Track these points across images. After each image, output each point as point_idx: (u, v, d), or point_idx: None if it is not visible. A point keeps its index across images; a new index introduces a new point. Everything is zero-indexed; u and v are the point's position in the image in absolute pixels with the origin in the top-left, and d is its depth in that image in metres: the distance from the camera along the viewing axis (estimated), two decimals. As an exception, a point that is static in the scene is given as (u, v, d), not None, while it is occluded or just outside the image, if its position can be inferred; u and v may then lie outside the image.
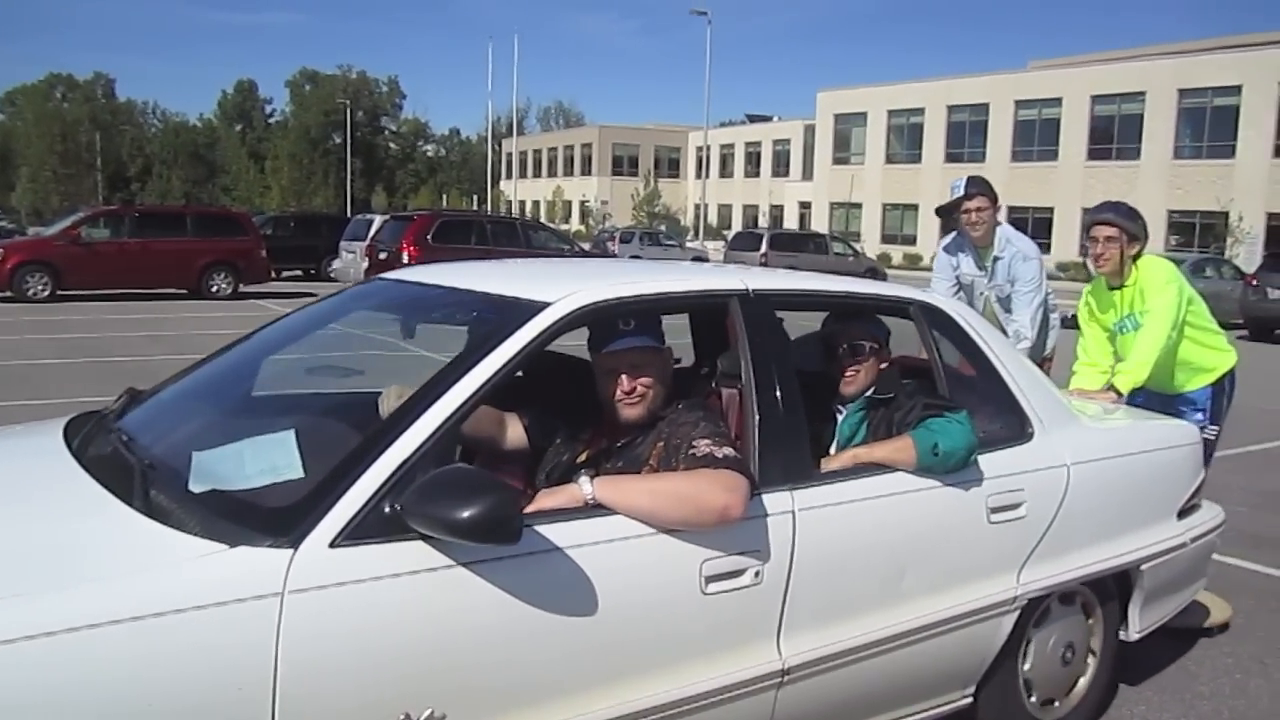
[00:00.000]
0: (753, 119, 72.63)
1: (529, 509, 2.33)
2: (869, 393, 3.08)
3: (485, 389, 2.31)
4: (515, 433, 2.99)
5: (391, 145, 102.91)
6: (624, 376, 2.68)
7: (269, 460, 2.34)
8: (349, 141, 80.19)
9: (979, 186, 4.87)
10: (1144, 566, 3.37)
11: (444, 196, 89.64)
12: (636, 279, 2.80)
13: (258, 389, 3.00)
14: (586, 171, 76.24)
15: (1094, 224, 4.26)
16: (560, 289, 2.57)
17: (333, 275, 21.84)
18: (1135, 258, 4.27)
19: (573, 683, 2.28)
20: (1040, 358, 4.95)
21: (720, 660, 2.48)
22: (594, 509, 2.34)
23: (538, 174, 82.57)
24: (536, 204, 78.81)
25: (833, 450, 3.09)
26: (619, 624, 2.32)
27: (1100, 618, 3.40)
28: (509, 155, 76.62)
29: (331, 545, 2.04)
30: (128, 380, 3.51)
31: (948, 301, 3.22)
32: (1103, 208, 4.29)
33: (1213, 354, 4.37)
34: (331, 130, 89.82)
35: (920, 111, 49.82)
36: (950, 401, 2.92)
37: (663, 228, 49.84)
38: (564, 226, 59.28)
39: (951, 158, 47.69)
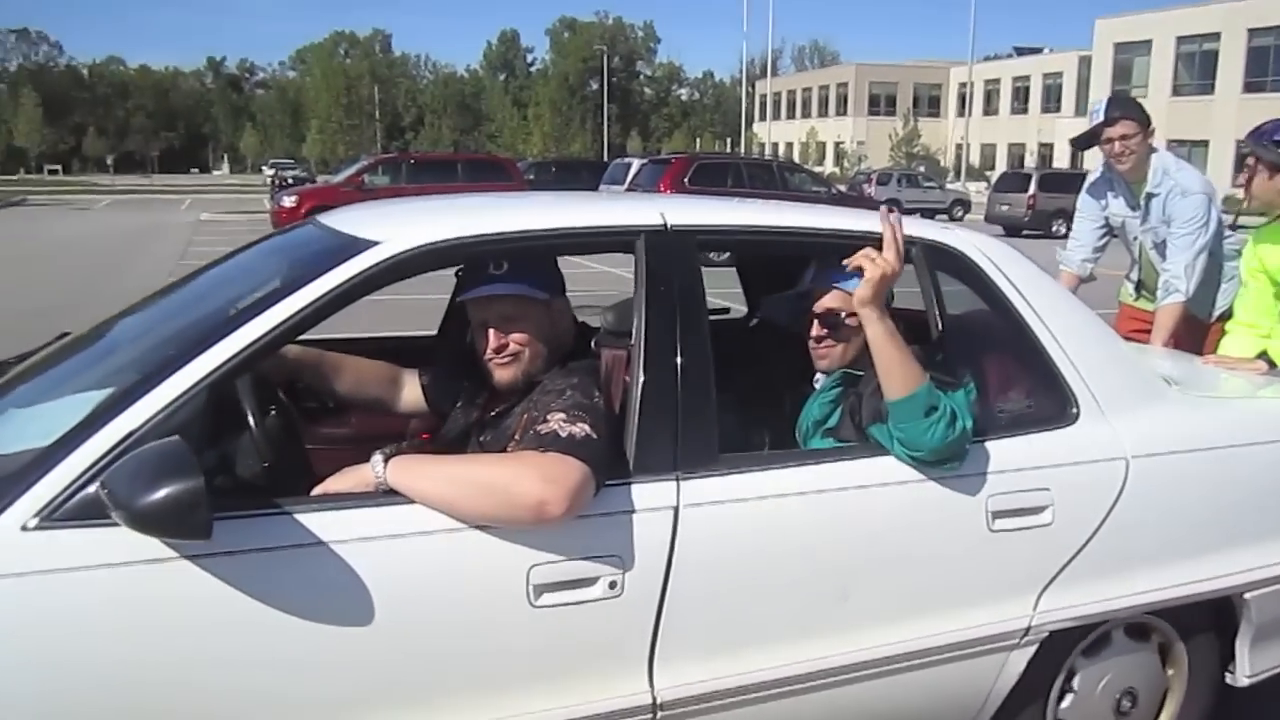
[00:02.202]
0: (1021, 52, 67.76)
1: (317, 490, 1.91)
2: (848, 366, 2.41)
3: (264, 342, 1.88)
4: (412, 393, 2.55)
5: (646, 90, 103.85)
6: (491, 331, 2.18)
7: (52, 423, 2.01)
8: (605, 87, 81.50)
9: (1123, 108, 3.88)
10: (1250, 595, 2.52)
11: (697, 140, 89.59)
12: (505, 215, 2.25)
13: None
14: (842, 112, 73.84)
15: (1247, 154, 3.29)
16: (398, 227, 2.10)
17: None
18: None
19: (342, 705, 1.84)
20: (1206, 319, 3.96)
21: (565, 688, 1.96)
22: (389, 495, 1.87)
23: (791, 115, 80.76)
24: (790, 146, 77.31)
25: (799, 438, 2.45)
26: (409, 637, 1.86)
27: (1183, 658, 2.59)
28: (763, 97, 75.43)
29: (24, 528, 1.69)
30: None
31: (967, 238, 2.44)
32: (1256, 133, 3.29)
33: None
34: (589, 76, 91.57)
35: (1215, 37, 44.54)
36: (943, 376, 2.21)
37: (921, 169, 47.43)
38: (817, 169, 57.77)
39: (1252, 87, 42.39)
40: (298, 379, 2.46)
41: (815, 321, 2.42)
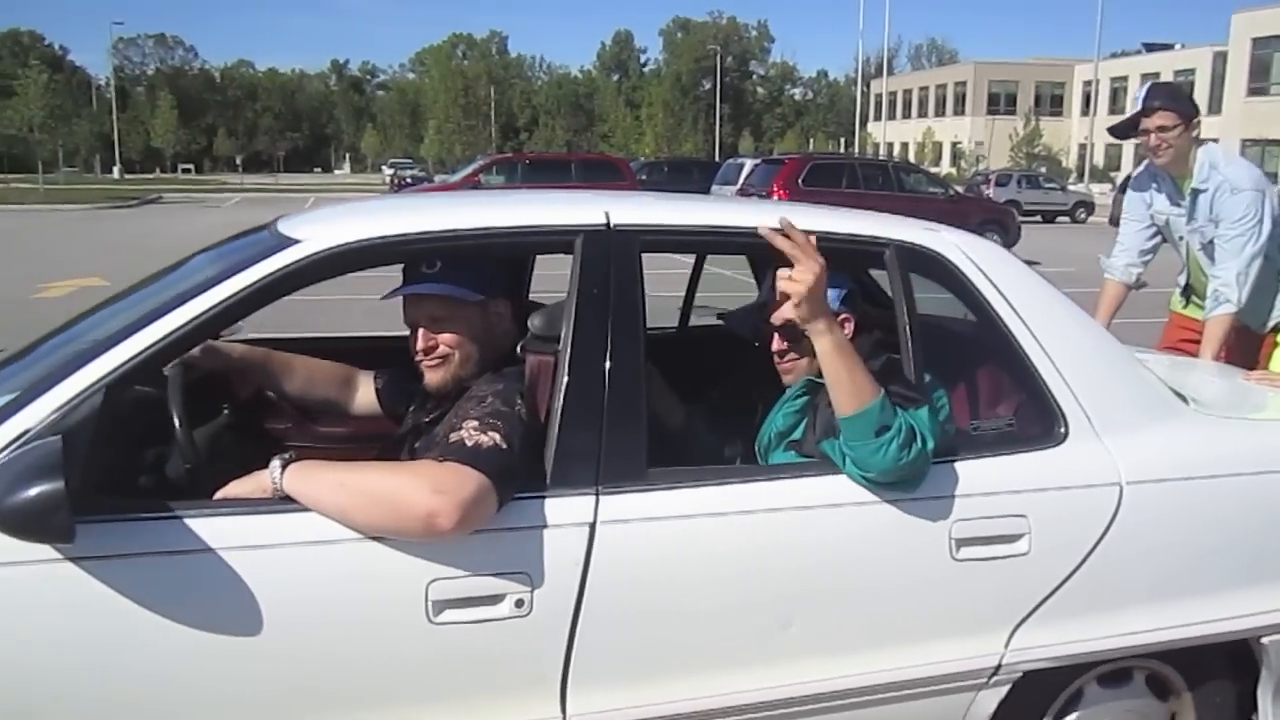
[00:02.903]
0: (1150, 48, 64.98)
1: (219, 494, 1.84)
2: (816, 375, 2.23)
3: (165, 344, 1.82)
4: (366, 396, 2.48)
5: (759, 90, 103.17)
6: (420, 331, 2.09)
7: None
8: (718, 87, 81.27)
9: (1163, 97, 3.56)
10: (1269, 640, 2.26)
11: (810, 140, 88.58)
12: (433, 214, 2.13)
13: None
14: (959, 111, 72.02)
15: None
16: (323, 226, 2.03)
17: None
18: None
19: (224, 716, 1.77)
20: (1261, 329, 3.63)
21: (469, 709, 1.86)
22: (286, 502, 1.80)
23: (907, 115, 79.15)
24: (905, 146, 75.80)
25: (758, 450, 2.29)
26: (298, 651, 1.78)
27: (1189, 708, 2.34)
28: (877, 96, 74.09)
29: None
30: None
31: (950, 239, 2.23)
32: None
33: None
34: (701, 76, 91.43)
35: (1364, 29, 42.05)
36: (908, 390, 2.03)
37: (1042, 170, 45.87)
38: (933, 170, 56.57)
39: (1404, 84, 39.86)
40: (243, 379, 2.41)
41: (775, 335, 2.26)
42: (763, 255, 2.42)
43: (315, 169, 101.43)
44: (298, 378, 2.43)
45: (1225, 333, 3.51)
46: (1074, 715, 2.25)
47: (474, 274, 2.09)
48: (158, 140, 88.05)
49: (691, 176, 26.19)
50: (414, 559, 1.79)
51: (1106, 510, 2.12)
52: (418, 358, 2.10)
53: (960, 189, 27.59)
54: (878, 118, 73.06)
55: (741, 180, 19.46)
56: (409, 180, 42.64)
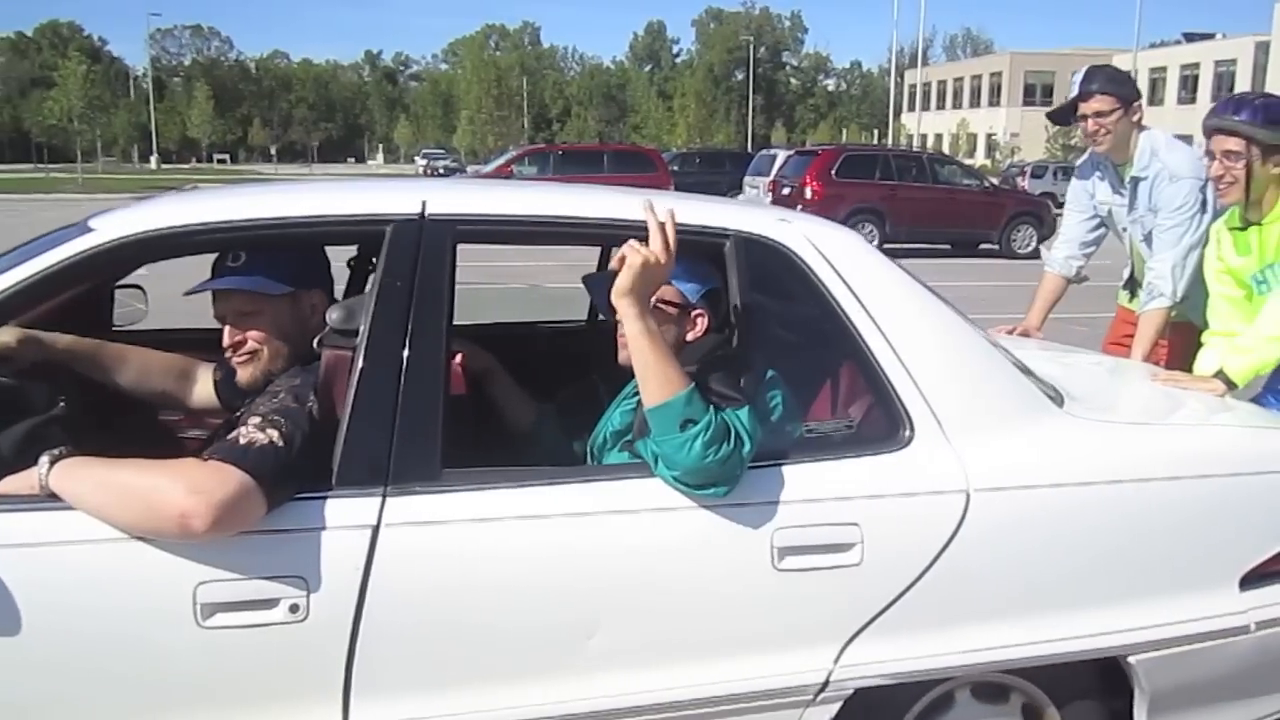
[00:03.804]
0: (1190, 37, 63.83)
1: None
2: None
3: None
4: (204, 389, 2.40)
5: (792, 80, 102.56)
6: (228, 327, 2.01)
7: None
8: (751, 78, 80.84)
9: (1101, 81, 3.38)
10: (1135, 659, 2.13)
11: (843, 131, 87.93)
12: (232, 203, 2.03)
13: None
14: (995, 102, 71.20)
15: (1211, 132, 2.82)
16: (124, 215, 1.95)
17: None
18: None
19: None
20: (1204, 325, 3.46)
21: (244, 717, 1.77)
22: (54, 499, 1.72)
23: (941, 106, 78.32)
24: (939, 137, 75.01)
25: (592, 450, 2.19)
26: (59, 654, 1.70)
27: (1057, 728, 2.21)
28: (911, 87, 73.50)
29: None
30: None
31: (800, 229, 2.11)
32: (1223, 106, 2.82)
33: None
34: (734, 67, 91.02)
35: None
36: (730, 389, 1.92)
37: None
38: (968, 161, 55.90)
39: None
40: (70, 370, 2.34)
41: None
42: (582, 244, 2.33)
43: (349, 159, 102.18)
44: (130, 369, 2.36)
45: (1159, 329, 3.36)
46: (926, 733, 2.13)
47: (282, 266, 2.00)
48: (194, 130, 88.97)
49: (724, 168, 26.24)
50: (181, 560, 1.70)
51: (951, 519, 1.99)
52: (227, 353, 2.02)
53: (995, 181, 27.22)
54: (911, 109, 72.44)
55: (774, 172, 19.34)
56: (442, 171, 42.75)
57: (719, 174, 25.82)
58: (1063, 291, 3.76)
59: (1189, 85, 58.80)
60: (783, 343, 2.24)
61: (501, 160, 22.09)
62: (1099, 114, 3.38)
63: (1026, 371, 2.27)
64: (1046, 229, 17.71)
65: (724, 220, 2.11)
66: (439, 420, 1.86)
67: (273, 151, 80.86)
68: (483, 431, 2.36)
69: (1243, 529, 2.23)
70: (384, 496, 1.80)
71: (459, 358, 2.24)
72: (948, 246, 17.25)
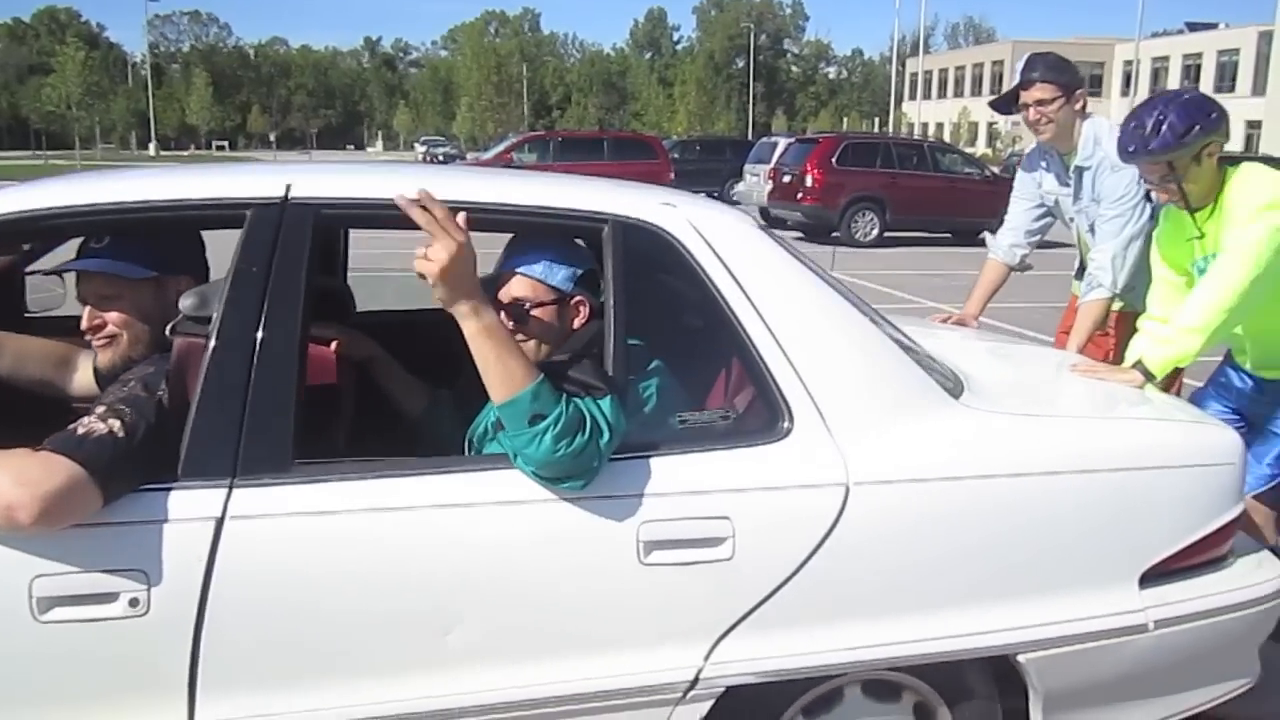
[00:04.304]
0: (1193, 27, 63.64)
1: None
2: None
3: None
4: (85, 376, 2.34)
5: (793, 68, 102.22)
6: (87, 309, 1.96)
7: None
8: (751, 65, 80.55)
9: (1042, 68, 3.31)
10: (1025, 657, 2.07)
11: (844, 119, 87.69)
12: (84, 189, 1.94)
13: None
14: (996, 91, 69.96)
15: (1133, 162, 2.76)
16: None
17: (736, 198, 22.25)
18: (1224, 164, 2.73)
19: None
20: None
21: (85, 713, 1.72)
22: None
23: (943, 95, 78.07)
24: (940, 126, 74.81)
25: (471, 440, 2.13)
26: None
27: (948, 726, 2.16)
28: (913, 75, 73.25)
29: None
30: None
31: (684, 214, 2.04)
32: (1130, 143, 2.74)
33: None
34: (735, 55, 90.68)
35: None
36: (593, 378, 1.86)
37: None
38: (969, 150, 55.69)
39: None
40: None
41: (502, 313, 2.09)
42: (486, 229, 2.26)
43: (348, 146, 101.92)
44: (4, 357, 2.30)
45: (1097, 320, 3.30)
46: (811, 731, 2.08)
47: (147, 250, 1.95)
48: (193, 117, 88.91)
49: (724, 155, 26.15)
50: (16, 552, 1.65)
51: (828, 513, 1.93)
52: (86, 336, 1.97)
53: (996, 170, 27.04)
54: (913, 97, 72.25)
55: (775, 159, 19.25)
56: (441, 158, 42.54)
57: (720, 161, 25.84)
58: (1005, 279, 3.69)
59: (1191, 75, 58.60)
60: (668, 331, 2.18)
61: (501, 147, 21.98)
62: (1040, 102, 3.31)
63: (925, 362, 2.21)
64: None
65: (601, 204, 2.04)
66: (291, 411, 1.80)
67: (272, 138, 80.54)
68: (368, 421, 2.30)
69: (1144, 525, 2.17)
70: (230, 488, 1.74)
71: (334, 345, 2.17)
72: (948, 235, 17.18)
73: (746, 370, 2.01)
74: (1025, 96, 3.33)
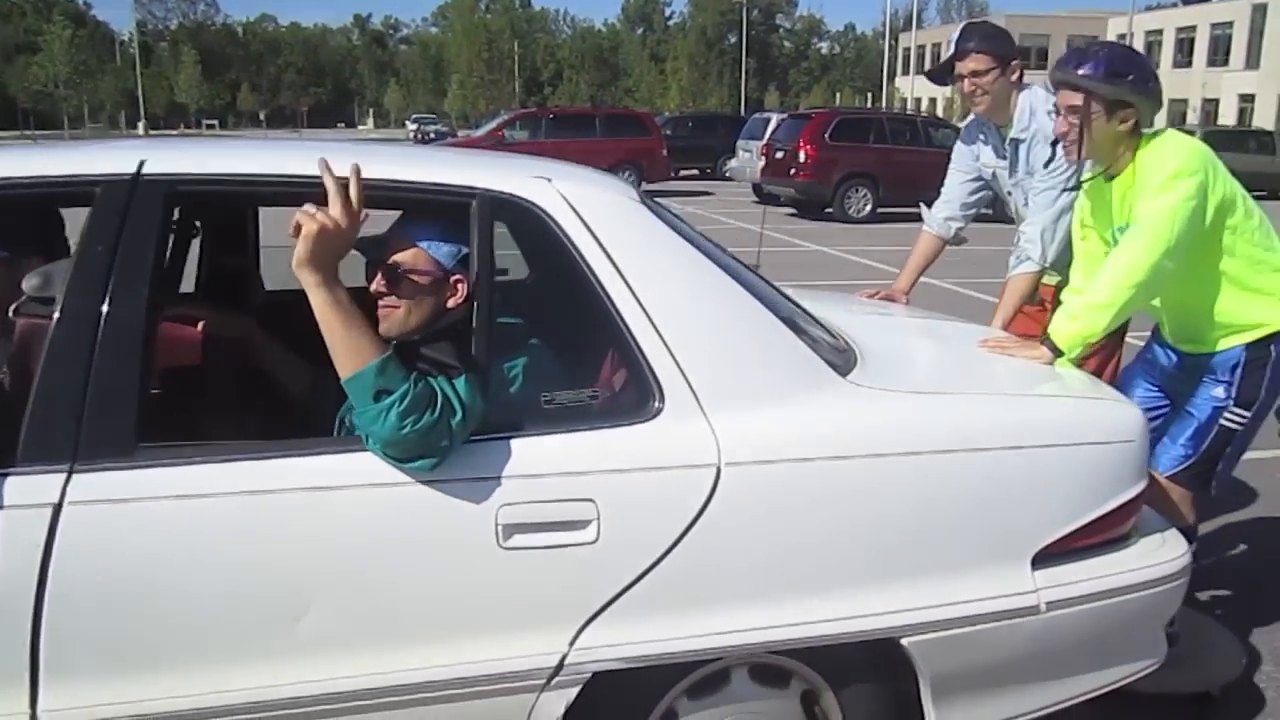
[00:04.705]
0: (1187, 0, 63.26)
1: None
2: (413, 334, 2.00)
3: None
4: None
5: (785, 44, 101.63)
6: None
7: None
8: (744, 41, 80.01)
9: (977, 39, 3.23)
10: (908, 641, 2.03)
11: (836, 95, 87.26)
12: None
13: None
14: (988, 66, 70.50)
15: (1056, 86, 2.69)
16: None
17: (728, 174, 22.22)
18: (1143, 133, 2.66)
19: None
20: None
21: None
22: None
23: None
24: (934, 101, 74.45)
25: (341, 421, 2.07)
26: None
27: (834, 709, 2.11)
28: (906, 50, 72.86)
29: None
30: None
31: (557, 187, 1.97)
32: (1066, 59, 2.68)
33: (1255, 301, 2.66)
34: (727, 30, 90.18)
35: None
36: (449, 357, 1.80)
37: (964, 123, 44.49)
38: (962, 125, 55.26)
39: None
40: None
41: (380, 274, 2.03)
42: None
43: (339, 124, 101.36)
44: None
45: (1023, 294, 3.25)
46: (691, 716, 2.03)
47: None
48: (181, 96, 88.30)
49: (717, 131, 25.94)
50: None
51: (698, 494, 1.88)
52: None
53: None
54: (906, 72, 71.95)
55: (768, 135, 19.15)
56: (432, 135, 42.31)
57: (712, 138, 25.69)
58: (938, 253, 3.64)
59: (1185, 49, 58.36)
60: (552, 310, 2.13)
61: (493, 124, 21.73)
62: (975, 73, 3.25)
63: (813, 339, 2.16)
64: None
65: (470, 178, 1.98)
66: (135, 393, 1.74)
67: (262, 116, 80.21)
68: (247, 403, 2.25)
69: (1036, 505, 2.12)
70: (70, 473, 1.69)
71: (200, 326, 2.11)
72: (943, 211, 17.11)
73: (618, 349, 1.95)
74: (960, 67, 3.26)
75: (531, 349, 1.98)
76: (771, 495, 1.94)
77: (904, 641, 2.02)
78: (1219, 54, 55.88)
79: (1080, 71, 2.60)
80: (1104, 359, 3.22)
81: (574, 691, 1.88)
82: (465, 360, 1.80)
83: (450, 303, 2.00)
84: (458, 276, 2.01)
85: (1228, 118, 50.74)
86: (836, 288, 3.59)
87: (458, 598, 1.82)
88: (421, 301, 1.98)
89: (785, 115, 20.62)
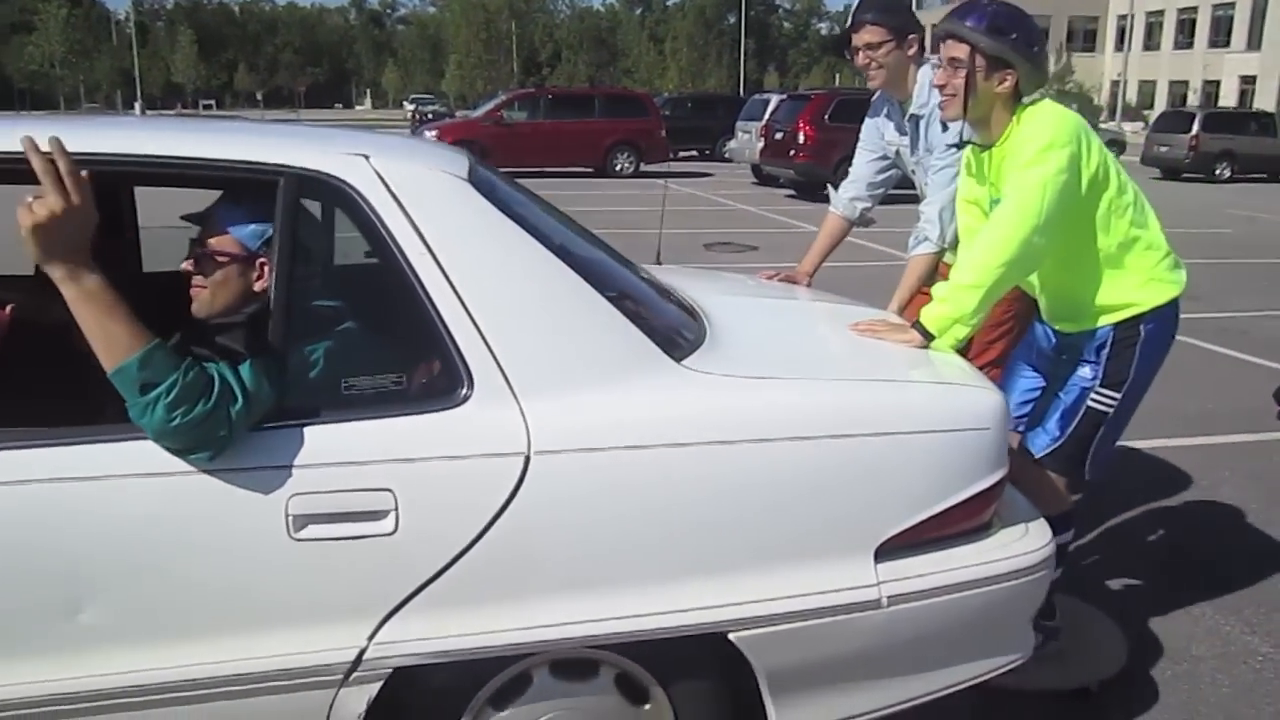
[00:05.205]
0: (1188, -20, 62.77)
1: None
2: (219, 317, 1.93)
3: None
4: None
5: (785, 24, 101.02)
6: None
7: None
8: (743, 22, 79.47)
9: (874, 10, 3.12)
10: (736, 636, 1.95)
11: (836, 76, 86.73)
12: None
13: None
14: (989, 46, 70.06)
15: (941, 37, 2.59)
16: None
17: (727, 155, 22.17)
18: (1020, 100, 2.57)
19: None
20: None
21: None
22: None
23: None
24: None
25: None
26: None
27: (666, 705, 2.04)
28: (905, 31, 72.24)
29: None
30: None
31: (374, 165, 1.89)
32: (954, 11, 2.58)
33: (1126, 279, 2.57)
34: (726, 10, 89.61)
35: None
36: (233, 343, 1.73)
37: (1074, 107, 44.16)
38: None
39: None
40: None
41: (192, 258, 1.96)
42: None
43: (336, 105, 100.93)
44: None
45: (921, 276, 3.16)
46: (506, 713, 1.96)
47: None
48: (178, 76, 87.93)
49: (716, 112, 25.90)
50: None
51: (505, 485, 1.80)
52: None
53: None
54: (906, 53, 71.49)
55: (767, 116, 19.10)
56: (430, 116, 42.15)
57: (711, 119, 25.63)
58: (844, 235, 3.54)
59: (1186, 29, 57.95)
60: (356, 292, 2.05)
61: (491, 105, 21.72)
62: (869, 46, 3.15)
63: (649, 323, 2.07)
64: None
65: (280, 156, 1.89)
66: None
67: (259, 97, 79.84)
68: (51, 387, 2.16)
69: (879, 495, 2.04)
70: None
71: (8, 310, 2.04)
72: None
73: (429, 334, 1.86)
74: (855, 39, 3.17)
75: (340, 333, 1.91)
76: (585, 485, 1.86)
77: (732, 636, 1.95)
78: (1220, 35, 55.50)
79: (966, 23, 2.51)
80: (1012, 341, 3.14)
81: (375, 687, 1.81)
82: (253, 345, 1.72)
83: (258, 285, 1.93)
84: (263, 258, 1.93)
85: (1229, 99, 50.40)
86: (830, 269, 3.49)
87: (247, 590, 1.75)
88: (226, 283, 1.91)
89: (784, 96, 20.53)
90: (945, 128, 3.06)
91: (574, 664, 1.98)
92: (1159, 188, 21.95)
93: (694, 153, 26.24)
